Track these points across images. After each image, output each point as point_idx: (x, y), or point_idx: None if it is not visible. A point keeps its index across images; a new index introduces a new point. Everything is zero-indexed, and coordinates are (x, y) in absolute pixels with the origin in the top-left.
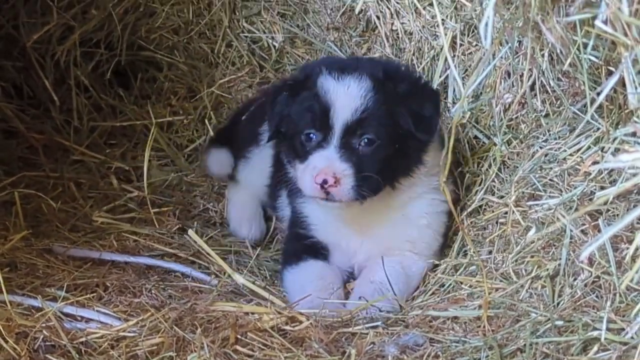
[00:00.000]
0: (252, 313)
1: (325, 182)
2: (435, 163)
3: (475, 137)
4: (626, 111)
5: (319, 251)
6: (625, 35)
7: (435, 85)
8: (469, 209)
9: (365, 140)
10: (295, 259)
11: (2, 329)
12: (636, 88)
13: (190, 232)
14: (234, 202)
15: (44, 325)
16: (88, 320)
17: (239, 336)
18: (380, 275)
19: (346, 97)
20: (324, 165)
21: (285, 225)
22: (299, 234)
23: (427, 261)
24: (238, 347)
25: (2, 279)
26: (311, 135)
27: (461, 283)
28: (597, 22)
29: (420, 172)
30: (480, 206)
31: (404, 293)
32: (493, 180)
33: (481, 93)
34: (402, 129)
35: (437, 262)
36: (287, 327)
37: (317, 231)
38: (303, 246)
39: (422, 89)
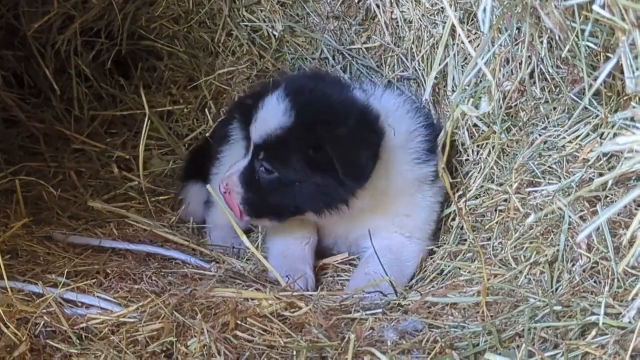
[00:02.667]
0: (252, 299)
1: (225, 190)
2: (370, 201)
3: (475, 125)
4: (625, 98)
5: None
6: (623, 19)
7: (433, 76)
8: (469, 196)
9: (264, 168)
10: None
11: (3, 315)
12: (634, 73)
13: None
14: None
15: (44, 311)
16: (89, 306)
17: (239, 322)
18: (374, 265)
19: (263, 118)
20: (228, 173)
21: None
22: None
23: (420, 245)
24: (238, 333)
25: (3, 265)
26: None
27: (460, 269)
28: (595, 7)
29: (356, 206)
30: (480, 194)
31: (399, 280)
32: (492, 168)
33: (481, 81)
34: (322, 170)
35: (432, 247)
36: (287, 313)
37: None
38: None
39: (364, 133)
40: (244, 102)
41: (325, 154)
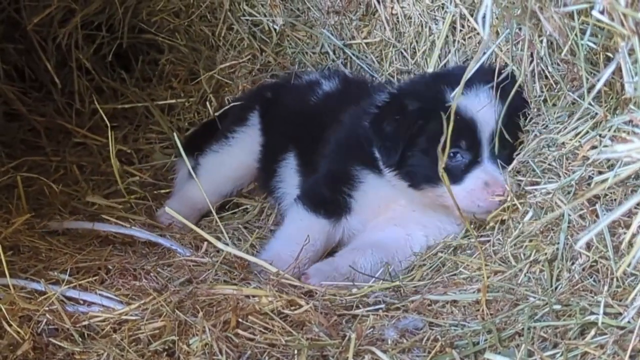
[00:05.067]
0: (253, 296)
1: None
2: None
3: None
4: (624, 97)
5: (341, 209)
6: (622, 25)
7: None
8: None
9: (506, 145)
10: (313, 208)
11: (5, 313)
12: (632, 77)
13: (168, 209)
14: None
15: (47, 308)
16: (90, 303)
17: (240, 319)
18: (382, 244)
19: (486, 110)
20: (494, 179)
21: (284, 204)
22: (337, 187)
23: (429, 240)
24: (239, 331)
25: (5, 262)
26: (457, 153)
27: (461, 264)
28: (594, 12)
29: None
30: None
31: (403, 267)
32: None
33: None
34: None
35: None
36: (287, 311)
37: (360, 196)
38: (331, 199)
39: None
40: (264, 94)
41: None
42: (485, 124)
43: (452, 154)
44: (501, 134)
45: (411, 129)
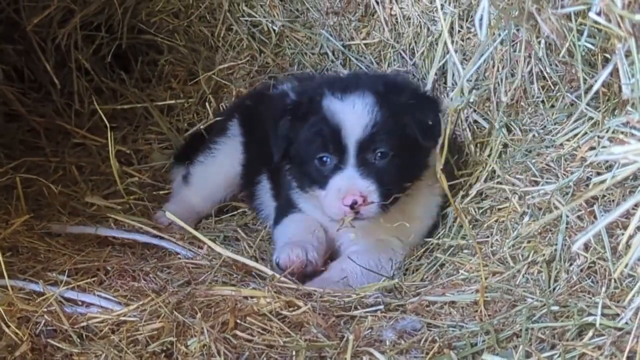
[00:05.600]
0: (251, 297)
1: (355, 202)
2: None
3: (476, 121)
4: (622, 98)
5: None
6: (619, 27)
7: (433, 72)
8: (470, 195)
9: (379, 154)
10: (285, 214)
11: (4, 314)
12: (629, 79)
13: (168, 213)
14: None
15: (45, 310)
16: (89, 304)
17: (238, 320)
18: (350, 263)
19: (354, 116)
20: (348, 186)
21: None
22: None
23: (405, 249)
24: (237, 332)
25: (3, 263)
26: (325, 158)
27: (459, 264)
28: (591, 14)
29: (428, 173)
30: (480, 191)
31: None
32: (492, 167)
33: (482, 80)
34: (408, 137)
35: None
36: (285, 312)
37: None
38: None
39: (424, 98)
40: (243, 102)
41: (409, 125)
42: (352, 130)
43: (322, 158)
44: (368, 140)
45: (286, 129)
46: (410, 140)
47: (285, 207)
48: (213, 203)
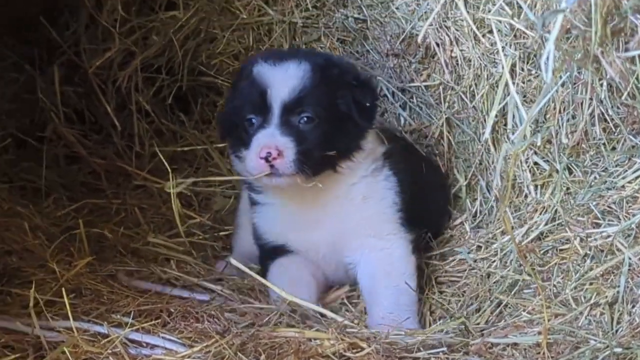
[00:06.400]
0: (314, 339)
1: (269, 154)
2: (372, 149)
3: (536, 163)
4: None
5: (284, 252)
6: None
7: (493, 114)
8: (531, 236)
9: (305, 118)
10: (268, 263)
11: (69, 356)
12: None
13: (233, 260)
14: None
15: (110, 351)
16: (153, 346)
17: None
18: (382, 305)
19: (283, 78)
20: (266, 141)
21: None
22: (261, 245)
23: (399, 240)
24: None
25: (68, 305)
26: (252, 120)
27: (522, 306)
28: None
29: (360, 156)
30: (542, 232)
31: (411, 300)
32: (553, 208)
33: (543, 121)
34: (340, 112)
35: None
36: (349, 354)
37: (272, 235)
38: (269, 251)
39: (364, 81)
40: None
41: (346, 98)
42: (278, 91)
43: (250, 120)
44: (294, 103)
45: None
46: (343, 115)
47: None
48: None
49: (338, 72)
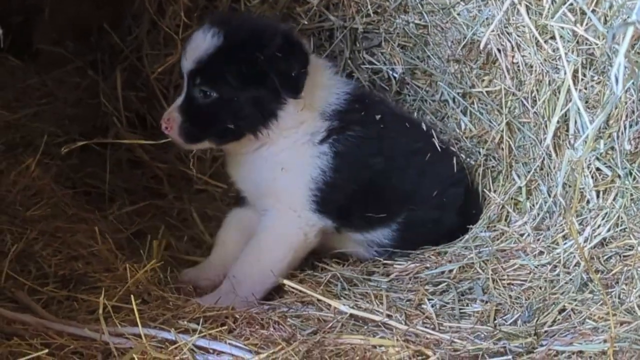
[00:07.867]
0: (379, 346)
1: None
2: (300, 121)
3: (598, 169)
4: None
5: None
6: None
7: (555, 120)
8: (594, 242)
9: (201, 91)
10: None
11: None
12: None
13: (285, 280)
14: None
15: (178, 358)
16: (220, 352)
17: None
18: (237, 265)
19: (191, 48)
20: (168, 110)
21: None
22: None
23: (295, 218)
24: None
25: (136, 311)
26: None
27: (586, 313)
28: None
29: (278, 126)
30: (605, 238)
31: (273, 261)
32: (616, 213)
33: (606, 127)
34: (248, 83)
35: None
36: None
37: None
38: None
39: (292, 49)
40: None
41: (258, 68)
42: (187, 60)
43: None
44: (194, 75)
45: None
46: (251, 87)
47: None
48: None
49: (253, 42)
